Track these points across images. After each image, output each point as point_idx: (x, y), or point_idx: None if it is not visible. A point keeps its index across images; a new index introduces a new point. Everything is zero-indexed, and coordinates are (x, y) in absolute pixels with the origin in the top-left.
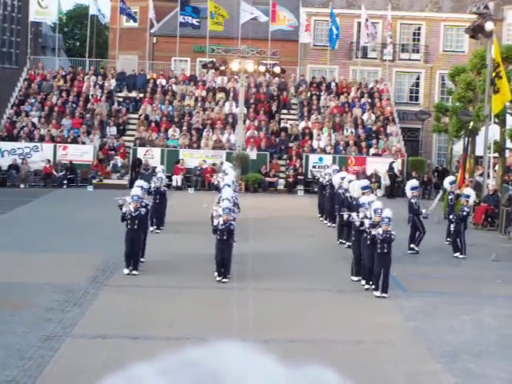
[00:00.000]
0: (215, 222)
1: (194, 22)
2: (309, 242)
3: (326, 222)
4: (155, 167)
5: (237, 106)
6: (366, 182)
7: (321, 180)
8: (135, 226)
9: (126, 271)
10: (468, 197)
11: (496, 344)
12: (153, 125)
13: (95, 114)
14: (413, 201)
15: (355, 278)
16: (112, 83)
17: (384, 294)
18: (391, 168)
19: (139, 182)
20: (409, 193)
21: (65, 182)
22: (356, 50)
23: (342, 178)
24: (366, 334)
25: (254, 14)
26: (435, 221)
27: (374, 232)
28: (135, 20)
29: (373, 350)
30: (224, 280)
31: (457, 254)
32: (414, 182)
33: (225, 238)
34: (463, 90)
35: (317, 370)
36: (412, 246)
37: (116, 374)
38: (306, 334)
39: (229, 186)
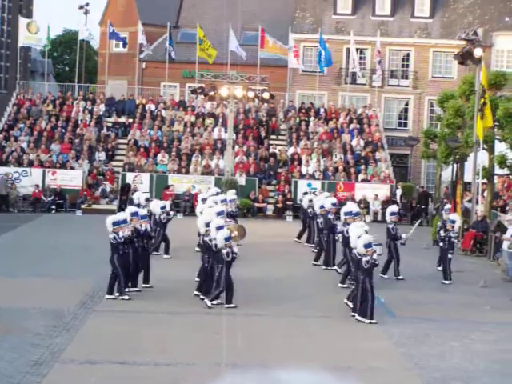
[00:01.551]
0: (224, 251)
1: (173, 54)
2: (298, 267)
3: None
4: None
5: (226, 132)
6: (355, 208)
7: (310, 211)
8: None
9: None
10: (453, 222)
11: (485, 370)
12: (142, 150)
13: (84, 139)
14: (389, 226)
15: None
16: (101, 108)
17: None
18: (394, 195)
19: (133, 209)
20: (388, 218)
21: (53, 207)
22: (345, 76)
23: (334, 204)
24: (356, 360)
25: (238, 49)
26: (423, 247)
27: (366, 258)
28: (125, 44)
29: (362, 376)
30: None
31: (446, 282)
32: (393, 208)
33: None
34: (452, 116)
35: None
36: (380, 275)
37: None
38: (295, 359)
39: (222, 213)
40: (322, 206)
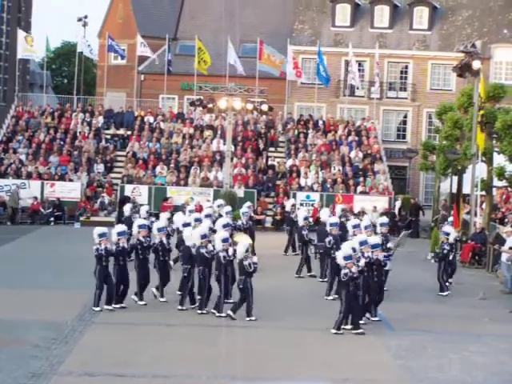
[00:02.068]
0: (246, 263)
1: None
2: (296, 279)
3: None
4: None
5: (224, 144)
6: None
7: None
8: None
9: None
10: (448, 234)
11: (483, 383)
12: (140, 162)
13: (83, 151)
14: None
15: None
16: (100, 120)
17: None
18: (394, 206)
19: (140, 221)
20: (378, 229)
21: (52, 219)
22: (343, 88)
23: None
24: (353, 373)
25: (236, 63)
26: (422, 259)
27: (344, 271)
28: (123, 57)
29: None
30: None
31: (441, 293)
32: (383, 219)
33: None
34: (450, 129)
35: None
36: None
37: None
38: (294, 372)
39: (228, 226)
40: (305, 218)
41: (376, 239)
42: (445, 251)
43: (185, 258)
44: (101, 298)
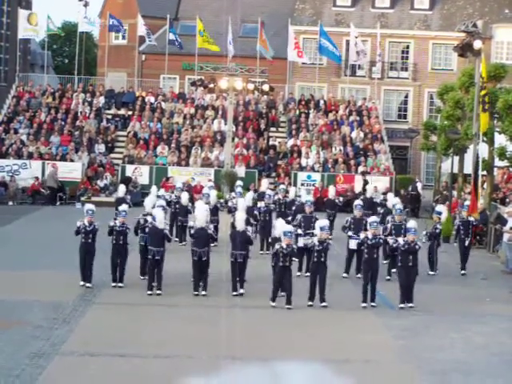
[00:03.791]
0: (277, 246)
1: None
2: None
3: None
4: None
5: (225, 124)
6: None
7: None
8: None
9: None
10: (440, 214)
11: (484, 362)
12: (141, 142)
13: (84, 132)
14: None
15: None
16: (100, 100)
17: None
18: (415, 188)
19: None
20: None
21: (56, 199)
22: (344, 68)
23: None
24: (354, 353)
25: (230, 44)
26: (422, 240)
27: (278, 245)
28: (123, 34)
29: (360, 368)
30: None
31: (431, 273)
32: (397, 204)
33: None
34: (452, 108)
35: None
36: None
37: None
38: (294, 352)
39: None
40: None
41: (413, 223)
42: (437, 231)
43: (157, 240)
44: (84, 272)
